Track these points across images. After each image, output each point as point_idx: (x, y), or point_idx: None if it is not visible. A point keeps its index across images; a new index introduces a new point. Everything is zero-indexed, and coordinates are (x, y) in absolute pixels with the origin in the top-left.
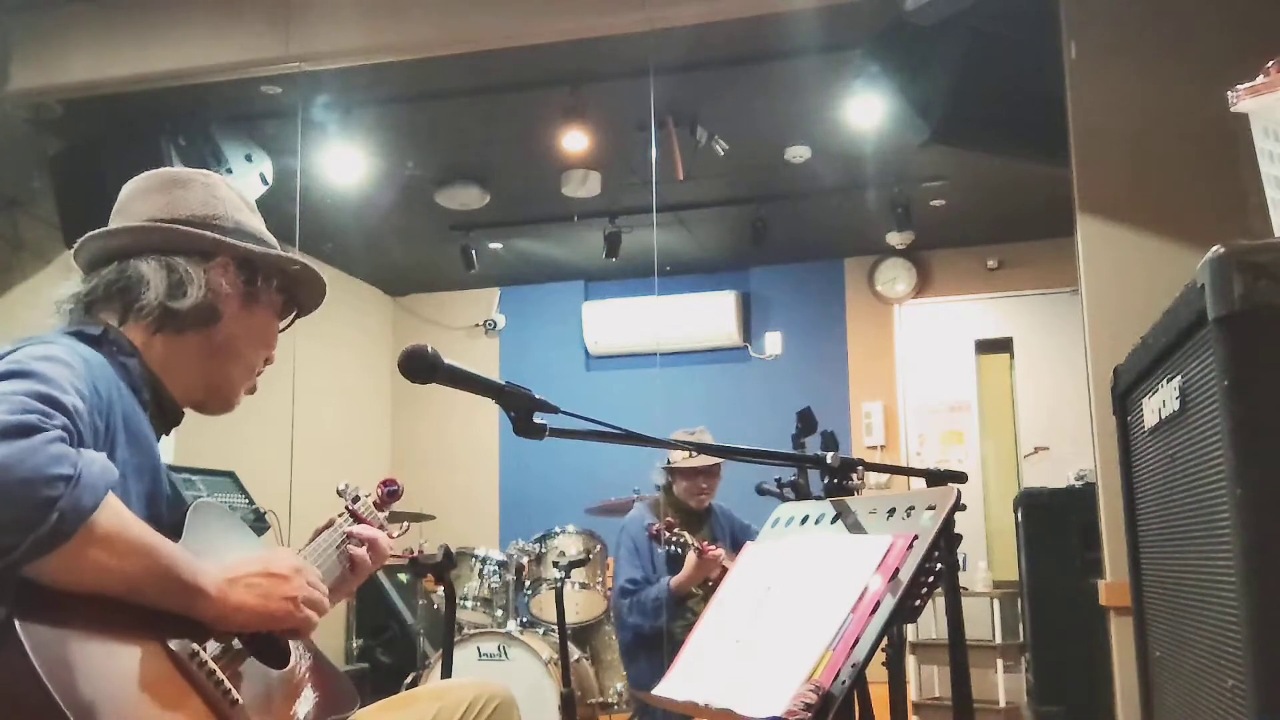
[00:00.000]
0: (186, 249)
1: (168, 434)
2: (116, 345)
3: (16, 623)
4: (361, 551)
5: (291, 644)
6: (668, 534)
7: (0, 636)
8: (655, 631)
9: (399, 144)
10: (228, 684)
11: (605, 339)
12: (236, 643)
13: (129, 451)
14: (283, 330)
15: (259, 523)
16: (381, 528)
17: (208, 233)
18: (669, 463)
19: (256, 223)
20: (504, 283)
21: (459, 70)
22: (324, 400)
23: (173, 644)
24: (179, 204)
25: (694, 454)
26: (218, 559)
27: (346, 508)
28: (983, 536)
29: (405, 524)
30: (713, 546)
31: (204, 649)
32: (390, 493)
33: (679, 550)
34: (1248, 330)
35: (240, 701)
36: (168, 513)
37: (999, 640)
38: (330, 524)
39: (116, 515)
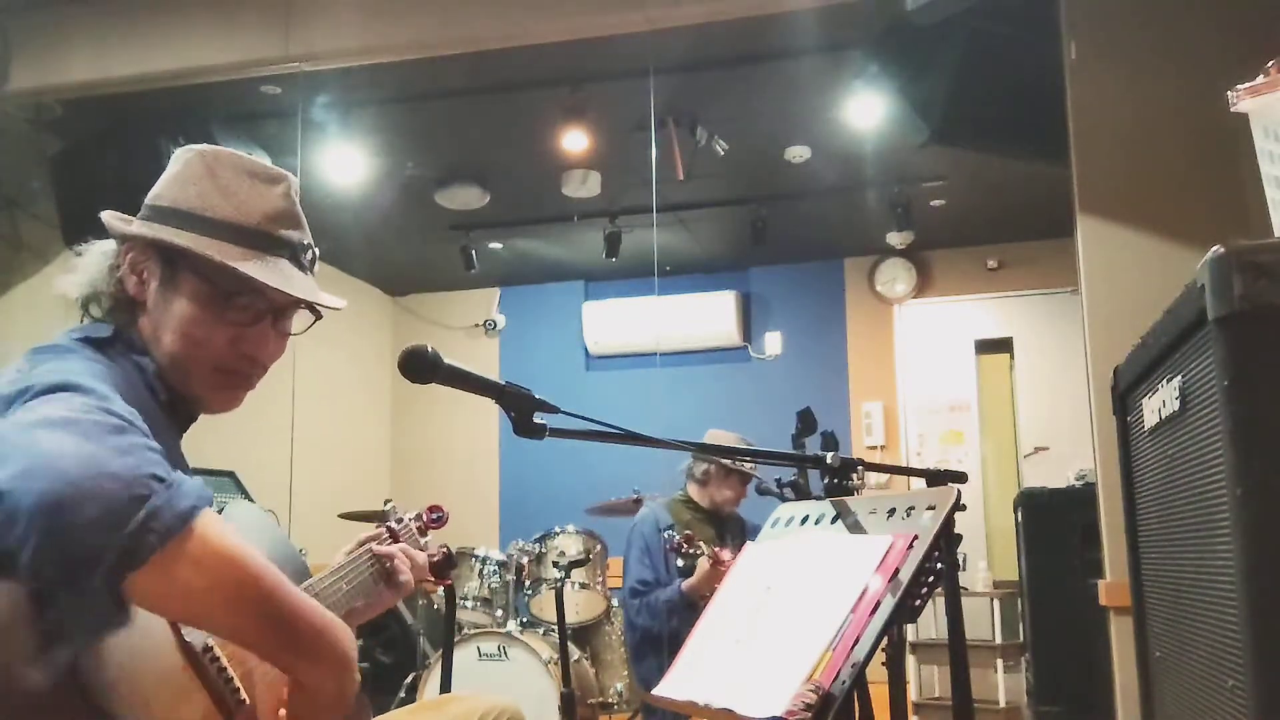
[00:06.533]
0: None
1: (186, 429)
2: (128, 345)
3: None
4: (400, 575)
5: None
6: (686, 547)
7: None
8: (664, 633)
9: (399, 144)
10: (237, 683)
11: (605, 339)
12: None
13: None
14: (298, 334)
15: None
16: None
17: (130, 227)
18: (733, 462)
19: (234, 205)
20: (504, 283)
21: (459, 70)
22: (324, 400)
23: (187, 636)
24: (161, 183)
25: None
26: None
27: (387, 526)
28: (983, 536)
29: (444, 546)
30: (728, 555)
31: (218, 645)
32: (435, 519)
33: (692, 563)
34: (1248, 330)
35: (248, 702)
36: None
37: (999, 640)
38: (363, 541)
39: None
